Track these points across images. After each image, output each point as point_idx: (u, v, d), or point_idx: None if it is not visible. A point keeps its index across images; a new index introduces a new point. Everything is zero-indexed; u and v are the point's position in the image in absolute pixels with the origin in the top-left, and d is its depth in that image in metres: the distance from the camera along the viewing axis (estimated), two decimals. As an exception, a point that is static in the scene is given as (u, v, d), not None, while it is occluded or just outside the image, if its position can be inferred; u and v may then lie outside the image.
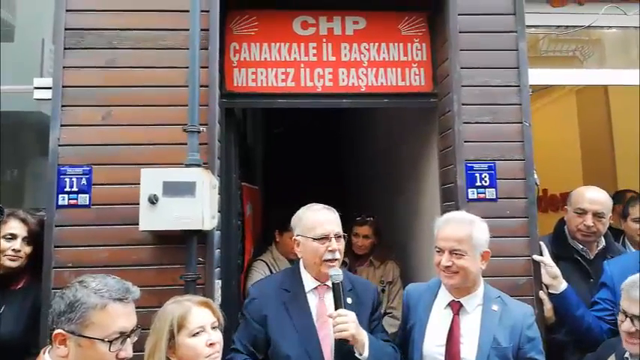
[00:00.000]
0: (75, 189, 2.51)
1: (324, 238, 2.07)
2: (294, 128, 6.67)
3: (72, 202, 2.51)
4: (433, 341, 2.05)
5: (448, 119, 2.81)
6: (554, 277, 2.52)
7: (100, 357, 1.48)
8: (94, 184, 2.53)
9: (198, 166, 2.42)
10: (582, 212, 2.61)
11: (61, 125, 2.56)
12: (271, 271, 3.29)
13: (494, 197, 2.69)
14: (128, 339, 1.53)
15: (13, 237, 2.43)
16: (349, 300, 2.08)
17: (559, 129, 5.36)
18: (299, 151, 6.91)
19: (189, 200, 2.32)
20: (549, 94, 5.27)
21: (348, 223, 3.25)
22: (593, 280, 2.60)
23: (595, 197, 2.63)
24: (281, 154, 6.55)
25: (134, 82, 2.60)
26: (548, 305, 2.56)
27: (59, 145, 2.54)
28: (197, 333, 1.75)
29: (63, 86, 2.58)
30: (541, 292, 2.59)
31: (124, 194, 2.49)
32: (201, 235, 2.45)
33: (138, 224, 2.33)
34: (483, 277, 2.15)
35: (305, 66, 2.94)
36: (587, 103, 5.20)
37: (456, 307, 2.08)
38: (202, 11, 2.59)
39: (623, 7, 3.00)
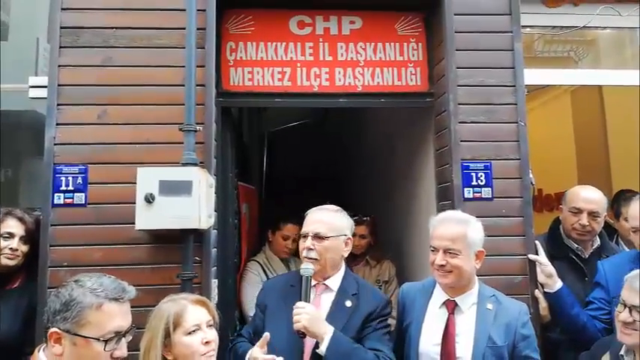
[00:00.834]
0: (71, 188, 2.51)
1: (304, 236, 2.18)
2: (291, 128, 6.67)
3: (68, 201, 2.50)
4: (429, 340, 2.06)
5: (444, 119, 2.82)
6: (549, 276, 2.53)
7: (94, 356, 1.48)
8: (89, 183, 2.52)
9: (195, 165, 2.42)
10: (577, 211, 2.63)
11: (57, 124, 2.55)
12: (265, 272, 3.29)
13: (490, 196, 2.70)
14: (123, 338, 1.53)
15: (11, 236, 2.43)
16: (348, 303, 2.11)
17: (554, 129, 5.38)
18: (295, 151, 6.91)
19: (185, 199, 2.32)
20: (544, 94, 5.28)
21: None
22: (588, 279, 2.61)
23: (590, 196, 2.64)
24: (278, 153, 6.55)
25: (130, 80, 2.60)
26: (543, 304, 2.58)
27: (55, 144, 2.53)
28: (193, 331, 1.76)
29: (58, 85, 2.57)
30: (536, 290, 2.60)
31: (120, 193, 2.48)
32: (198, 234, 2.45)
33: (134, 223, 2.32)
34: (479, 275, 2.16)
35: (301, 65, 2.94)
36: (582, 103, 5.22)
37: (451, 306, 2.09)
38: (198, 10, 2.59)
39: (617, 8, 3.01)
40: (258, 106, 4.05)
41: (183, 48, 2.55)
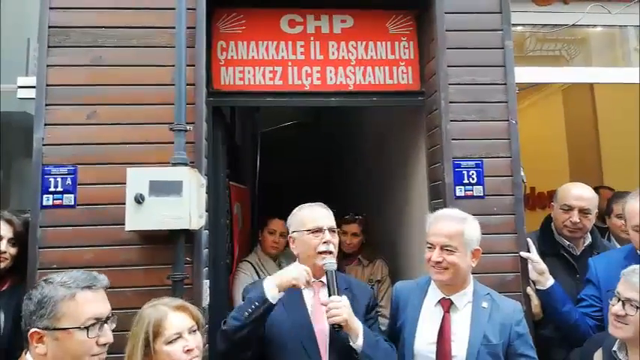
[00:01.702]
0: (60, 189, 2.48)
1: (318, 230, 2.11)
2: (284, 128, 6.66)
3: (57, 202, 2.47)
4: (424, 339, 2.06)
5: (435, 117, 2.82)
6: (541, 273, 2.54)
7: (79, 346, 1.48)
8: (79, 184, 2.50)
9: (185, 165, 2.40)
10: (568, 208, 2.64)
11: (45, 124, 2.52)
12: (257, 272, 3.28)
13: (482, 194, 2.70)
14: (105, 325, 1.54)
15: (-1, 238, 2.40)
16: (345, 298, 2.09)
17: (546, 128, 5.41)
18: (288, 151, 6.89)
19: (176, 200, 2.31)
20: (536, 93, 5.31)
21: (336, 222, 3.25)
22: (579, 276, 2.62)
23: (581, 194, 2.65)
24: (270, 153, 6.53)
25: (119, 80, 2.58)
26: (535, 301, 2.58)
27: (43, 145, 2.51)
28: (173, 340, 1.71)
29: (47, 85, 2.55)
30: (528, 288, 2.61)
31: (109, 194, 2.46)
32: (189, 235, 2.43)
33: (124, 224, 2.30)
34: (471, 273, 2.15)
35: (293, 64, 2.93)
36: (573, 102, 5.25)
37: (447, 305, 2.08)
38: (188, 9, 2.57)
39: (607, 6, 3.02)
40: (250, 105, 4.03)
41: (173, 47, 2.53)
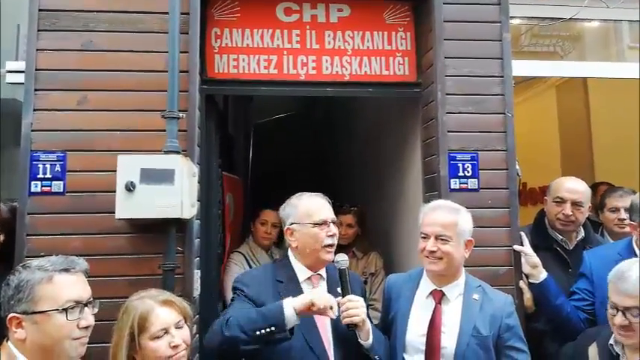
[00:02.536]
0: (48, 176, 2.43)
1: (324, 223, 2.05)
2: (279, 118, 6.62)
3: (45, 189, 2.42)
4: (416, 331, 2.05)
5: (432, 109, 2.80)
6: (534, 267, 2.54)
7: (59, 330, 1.45)
8: (68, 171, 2.44)
9: (177, 153, 2.36)
10: (561, 201, 2.65)
11: (34, 110, 2.46)
12: (248, 262, 3.26)
13: (477, 187, 2.70)
14: (86, 308, 1.51)
15: (-15, 226, 2.35)
16: (339, 289, 2.05)
17: (539, 124, 5.42)
18: (283, 141, 6.86)
19: (167, 188, 2.26)
20: (529, 89, 5.31)
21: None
22: (572, 271, 2.63)
23: (573, 187, 2.67)
24: (265, 144, 6.49)
25: (111, 65, 2.52)
26: (527, 294, 2.58)
27: (32, 131, 2.45)
28: (159, 336, 1.67)
29: (36, 69, 2.49)
30: (521, 281, 2.61)
31: (99, 181, 2.41)
32: (180, 224, 2.39)
33: (114, 212, 2.26)
34: (465, 267, 2.15)
35: (288, 53, 2.89)
36: (567, 98, 5.26)
37: (438, 296, 2.09)
38: (182, -6, 2.52)
39: (604, 0, 3.01)
40: (244, 94, 3.99)
41: (166, 33, 2.48)
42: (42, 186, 2.43)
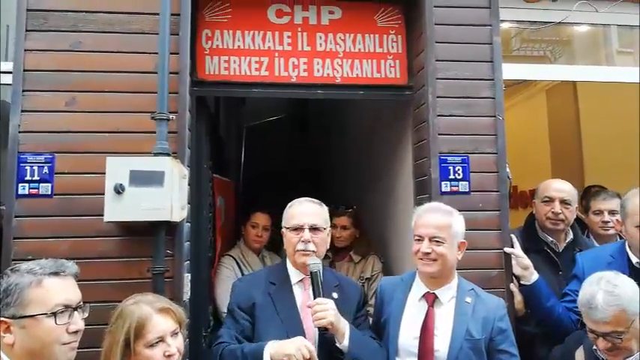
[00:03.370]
0: (36, 178, 2.40)
1: (298, 228, 2.09)
2: (270, 120, 6.61)
3: (33, 191, 2.39)
4: (408, 334, 2.05)
5: (423, 112, 2.80)
6: (526, 268, 2.55)
7: (48, 334, 1.44)
8: (56, 173, 2.42)
9: (167, 155, 2.34)
10: (549, 200, 2.69)
11: (22, 111, 2.43)
12: (239, 266, 3.23)
13: (467, 190, 2.70)
14: (76, 312, 1.49)
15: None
16: (335, 295, 2.07)
17: (529, 127, 5.46)
18: (275, 144, 6.85)
19: (157, 190, 2.24)
20: (519, 93, 5.35)
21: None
22: (562, 273, 2.65)
23: (561, 186, 2.73)
24: (255, 147, 6.48)
25: (100, 66, 2.50)
26: (518, 297, 2.59)
27: (19, 132, 2.42)
28: (154, 344, 1.65)
29: (24, 70, 2.46)
30: (512, 284, 2.62)
31: (88, 184, 2.39)
32: (170, 227, 2.36)
33: (103, 215, 2.23)
34: (456, 270, 2.15)
35: (279, 55, 2.88)
36: (557, 102, 5.31)
37: (431, 299, 2.08)
38: (173, -5, 2.51)
39: (594, 4, 3.04)
40: (235, 96, 3.97)
41: (157, 34, 2.46)
42: (30, 188, 2.39)
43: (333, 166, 6.22)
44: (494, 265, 2.66)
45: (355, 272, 3.36)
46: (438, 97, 2.73)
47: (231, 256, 3.31)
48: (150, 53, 2.49)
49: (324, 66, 2.91)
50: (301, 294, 2.11)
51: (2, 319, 1.42)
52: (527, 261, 2.56)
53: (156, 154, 2.33)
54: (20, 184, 2.39)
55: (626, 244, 2.41)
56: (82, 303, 1.54)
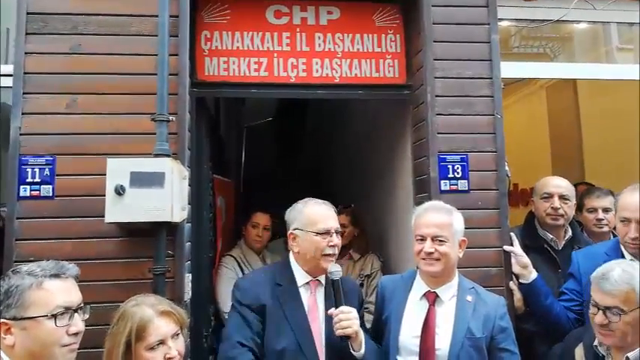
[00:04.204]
0: (37, 180, 2.41)
1: (326, 233, 2.06)
2: (270, 120, 6.61)
3: (34, 193, 2.41)
4: (409, 332, 2.05)
5: (421, 111, 2.81)
6: (525, 267, 2.55)
7: (48, 336, 1.45)
8: (57, 175, 2.43)
9: (168, 156, 2.35)
10: (548, 196, 2.70)
11: (23, 113, 2.44)
12: (240, 266, 3.25)
13: (467, 189, 2.71)
14: (76, 314, 1.51)
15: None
16: (354, 309, 2.06)
17: (529, 125, 5.45)
18: (275, 144, 6.86)
19: (157, 191, 2.25)
20: (519, 90, 5.35)
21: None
22: (561, 271, 2.65)
23: (558, 182, 2.75)
24: (255, 147, 6.49)
25: (100, 69, 2.51)
26: (517, 295, 2.60)
27: (20, 134, 2.43)
28: (155, 346, 1.66)
29: (25, 73, 2.47)
30: (511, 282, 2.62)
31: (89, 185, 2.40)
32: (171, 228, 2.38)
33: (104, 216, 2.25)
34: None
35: (278, 56, 2.89)
36: (557, 99, 5.30)
37: (432, 298, 2.08)
38: (172, -3, 2.52)
39: (592, 2, 3.04)
40: (234, 96, 3.98)
41: (156, 36, 2.47)
42: (31, 190, 2.41)
43: (333, 165, 6.23)
44: (493, 264, 2.66)
45: (355, 270, 3.38)
46: (436, 95, 2.74)
47: (232, 256, 3.33)
48: (149, 55, 2.50)
49: (322, 66, 2.92)
50: (307, 297, 2.09)
51: (3, 320, 1.44)
52: (526, 259, 2.56)
53: (156, 156, 2.34)
54: (22, 186, 2.41)
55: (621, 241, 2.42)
56: (82, 305, 1.55)
